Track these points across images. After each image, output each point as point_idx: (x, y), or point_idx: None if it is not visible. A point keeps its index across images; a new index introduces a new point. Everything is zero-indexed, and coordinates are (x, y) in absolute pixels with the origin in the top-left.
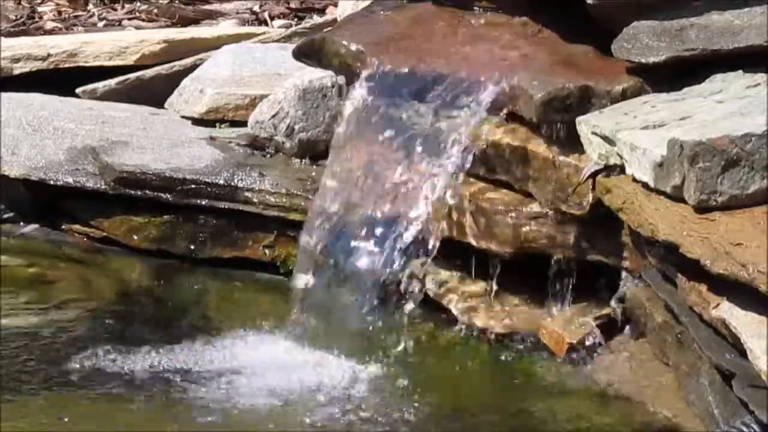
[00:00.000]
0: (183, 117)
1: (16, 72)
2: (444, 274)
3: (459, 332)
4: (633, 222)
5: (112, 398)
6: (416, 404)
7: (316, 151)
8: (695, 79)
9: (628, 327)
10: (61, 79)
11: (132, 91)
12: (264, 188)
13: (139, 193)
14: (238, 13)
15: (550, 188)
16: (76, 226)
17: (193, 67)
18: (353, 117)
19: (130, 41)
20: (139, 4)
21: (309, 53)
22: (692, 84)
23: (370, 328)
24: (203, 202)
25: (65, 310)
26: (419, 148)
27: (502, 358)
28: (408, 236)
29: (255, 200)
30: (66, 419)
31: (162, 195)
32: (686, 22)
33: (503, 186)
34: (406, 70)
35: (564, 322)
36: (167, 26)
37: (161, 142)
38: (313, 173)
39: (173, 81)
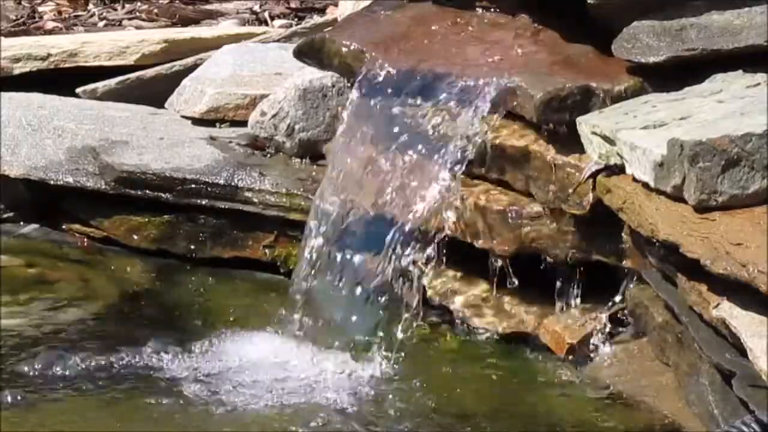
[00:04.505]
0: (183, 117)
1: (17, 72)
2: (445, 274)
3: (459, 332)
4: (633, 222)
5: (113, 399)
6: (417, 405)
7: (316, 151)
8: (695, 79)
9: (628, 327)
10: (61, 79)
11: (132, 91)
12: (264, 188)
13: (139, 192)
14: (238, 12)
15: (550, 188)
16: (76, 226)
17: (193, 67)
18: (353, 117)
19: (130, 41)
20: (139, 4)
21: (309, 53)
22: (692, 84)
23: (371, 328)
24: (203, 202)
25: (65, 310)
26: (420, 148)
27: (502, 358)
28: (408, 236)
29: (255, 200)
30: (65, 420)
31: (162, 195)
32: (686, 22)
33: (503, 186)
34: (407, 70)
35: (564, 322)
36: (167, 26)
37: (161, 142)
38: (314, 173)
39: (173, 81)
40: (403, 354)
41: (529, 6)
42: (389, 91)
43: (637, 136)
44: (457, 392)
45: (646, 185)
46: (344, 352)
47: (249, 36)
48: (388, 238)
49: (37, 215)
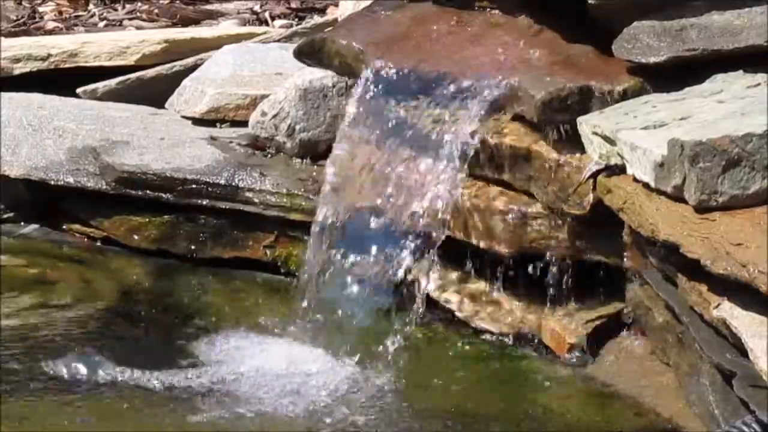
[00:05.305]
0: (183, 117)
1: (17, 72)
2: (445, 274)
3: (460, 332)
4: (633, 222)
5: (112, 399)
6: (417, 405)
7: (316, 151)
8: (696, 79)
9: (628, 327)
10: (61, 79)
11: (132, 91)
12: (265, 188)
13: (140, 193)
14: (238, 13)
15: (550, 188)
16: (77, 226)
17: (193, 67)
18: (354, 117)
19: (130, 41)
20: (139, 4)
21: (310, 53)
22: (693, 84)
23: (372, 328)
24: (204, 202)
25: (65, 310)
26: (420, 148)
27: (503, 358)
28: (409, 236)
29: (256, 200)
30: (65, 420)
31: (162, 195)
32: (687, 22)
33: (504, 186)
34: (407, 70)
35: (565, 322)
36: (168, 26)
37: (162, 142)
38: (314, 173)
39: (174, 81)
40: (403, 355)
41: (529, 6)
42: (389, 91)
43: (637, 136)
44: (458, 392)
45: (646, 185)
46: (345, 353)
47: (249, 36)
48: (389, 238)
49: (38, 215)
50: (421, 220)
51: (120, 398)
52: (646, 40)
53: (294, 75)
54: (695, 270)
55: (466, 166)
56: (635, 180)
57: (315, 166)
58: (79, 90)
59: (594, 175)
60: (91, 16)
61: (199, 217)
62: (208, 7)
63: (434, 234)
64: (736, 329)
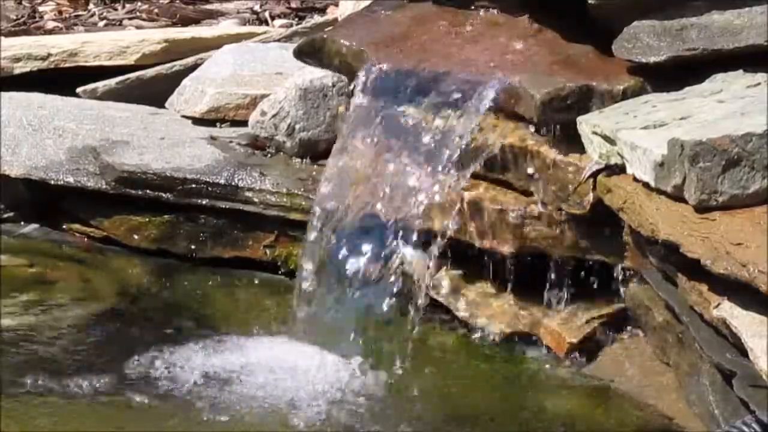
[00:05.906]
0: (183, 117)
1: (17, 72)
2: (445, 273)
3: (460, 332)
4: (633, 222)
5: (111, 400)
6: (417, 405)
7: (316, 151)
8: (696, 79)
9: (628, 326)
10: (61, 79)
11: (132, 90)
12: (265, 188)
13: (140, 192)
14: (238, 12)
15: (550, 188)
16: (77, 226)
17: (193, 67)
18: (354, 117)
19: (130, 41)
20: (139, 3)
21: (310, 53)
22: (693, 84)
23: (372, 328)
24: (204, 202)
25: (65, 310)
26: (420, 148)
27: (503, 357)
28: (409, 236)
29: (256, 200)
30: (65, 421)
31: (162, 195)
32: (687, 22)
33: (504, 186)
34: (407, 69)
35: (564, 322)
36: (168, 26)
37: (162, 142)
38: (314, 173)
39: (173, 81)
40: (403, 354)
41: (529, 6)
42: (389, 90)
43: (637, 135)
44: (458, 392)
45: (646, 185)
46: (345, 353)
47: (249, 36)
48: (389, 238)
49: (38, 215)
50: (420, 219)
51: (118, 397)
52: (646, 40)
53: (294, 75)
54: (695, 270)
55: (466, 166)
56: (635, 180)
57: (315, 166)
58: (79, 90)
59: (594, 175)
60: (91, 16)
61: (199, 216)
62: (208, 6)
63: (434, 234)
64: (736, 329)
